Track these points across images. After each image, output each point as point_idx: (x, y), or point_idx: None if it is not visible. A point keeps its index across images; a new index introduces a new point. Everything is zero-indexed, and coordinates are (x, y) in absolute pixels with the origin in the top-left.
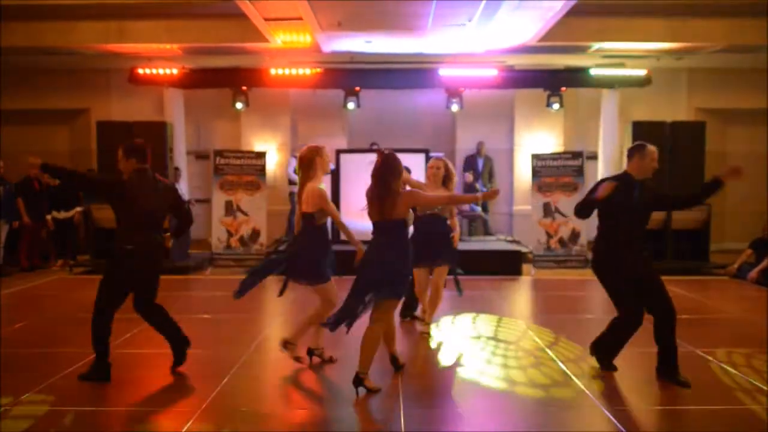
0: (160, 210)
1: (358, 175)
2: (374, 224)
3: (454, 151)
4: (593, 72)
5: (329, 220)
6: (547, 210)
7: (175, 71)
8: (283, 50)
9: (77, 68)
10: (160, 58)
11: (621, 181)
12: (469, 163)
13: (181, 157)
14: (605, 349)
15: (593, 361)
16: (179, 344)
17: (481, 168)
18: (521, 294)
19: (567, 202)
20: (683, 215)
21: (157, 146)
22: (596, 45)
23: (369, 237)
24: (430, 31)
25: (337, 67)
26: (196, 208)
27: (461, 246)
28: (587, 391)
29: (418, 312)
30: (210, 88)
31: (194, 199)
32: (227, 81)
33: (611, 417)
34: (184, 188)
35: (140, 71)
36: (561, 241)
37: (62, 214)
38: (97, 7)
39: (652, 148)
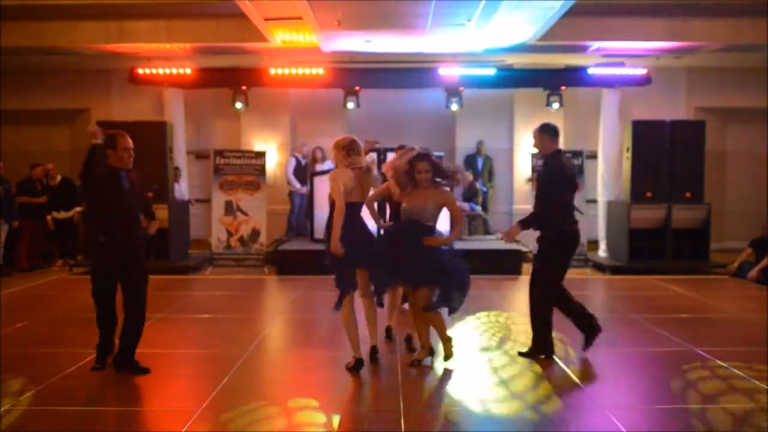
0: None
1: None
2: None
3: (454, 150)
4: (593, 71)
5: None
6: None
7: (174, 71)
8: (283, 50)
9: (77, 68)
10: (160, 58)
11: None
12: (469, 162)
13: (181, 157)
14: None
15: (592, 360)
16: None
17: (481, 167)
18: (521, 293)
19: None
20: (683, 214)
21: (157, 146)
22: (596, 44)
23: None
24: (429, 31)
25: (336, 66)
26: (196, 208)
27: (462, 245)
28: (587, 391)
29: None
30: (210, 88)
31: (194, 198)
32: (227, 81)
33: (611, 417)
34: (184, 188)
35: (140, 71)
36: None
37: (62, 214)
38: (97, 7)
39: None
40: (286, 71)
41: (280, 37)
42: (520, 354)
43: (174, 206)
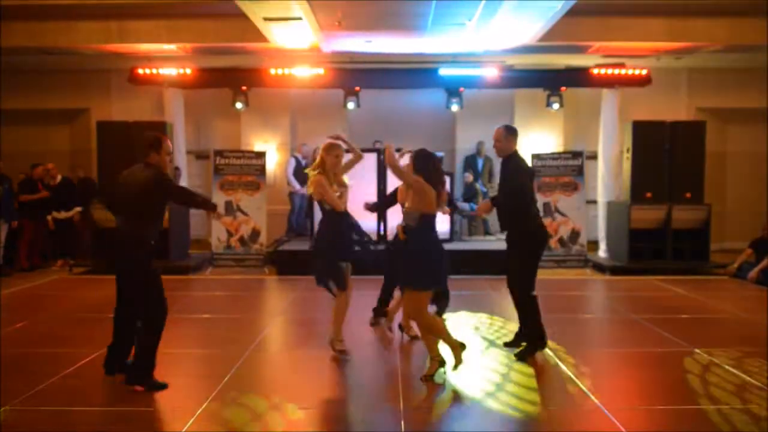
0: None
1: (357, 174)
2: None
3: (454, 150)
4: (593, 72)
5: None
6: (547, 210)
7: (174, 71)
8: (283, 50)
9: (77, 68)
10: (160, 58)
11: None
12: (469, 163)
13: (181, 157)
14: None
15: (592, 360)
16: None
17: (481, 168)
18: None
19: (567, 202)
20: (683, 215)
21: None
22: (596, 45)
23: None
24: (430, 31)
25: (336, 66)
26: None
27: (463, 246)
28: (587, 391)
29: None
30: (210, 88)
31: None
32: (227, 81)
33: (611, 417)
34: None
35: (140, 71)
36: (561, 241)
37: (62, 214)
38: (97, 7)
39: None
40: (286, 71)
41: (281, 37)
42: (506, 345)
43: (174, 206)
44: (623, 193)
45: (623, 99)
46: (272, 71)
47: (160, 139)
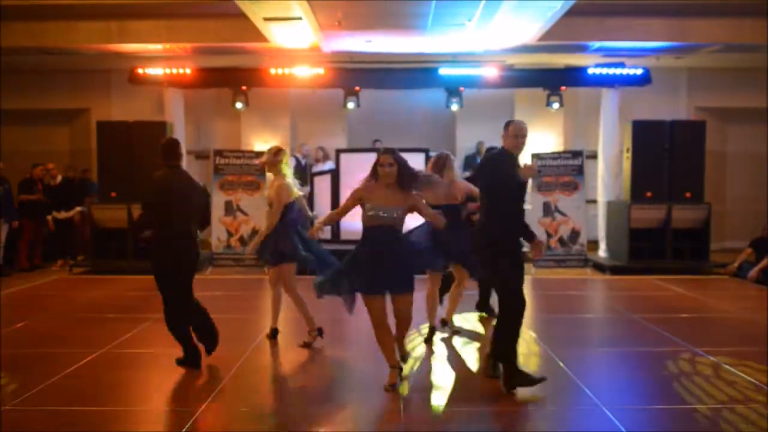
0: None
1: (358, 174)
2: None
3: (454, 150)
4: (593, 71)
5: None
6: (547, 209)
7: (174, 71)
8: (283, 50)
9: (77, 68)
10: (160, 58)
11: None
12: (469, 162)
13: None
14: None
15: (592, 360)
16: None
17: None
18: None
19: (567, 202)
20: (683, 214)
21: (157, 146)
22: (596, 44)
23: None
24: (430, 31)
25: (337, 66)
26: None
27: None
28: (587, 391)
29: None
30: (210, 88)
31: None
32: (227, 81)
33: (611, 417)
34: None
35: (140, 71)
36: (561, 241)
37: (62, 214)
38: (97, 7)
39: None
40: (286, 71)
41: (281, 37)
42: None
43: None
44: (623, 192)
45: (623, 98)
46: (272, 71)
47: (180, 145)
